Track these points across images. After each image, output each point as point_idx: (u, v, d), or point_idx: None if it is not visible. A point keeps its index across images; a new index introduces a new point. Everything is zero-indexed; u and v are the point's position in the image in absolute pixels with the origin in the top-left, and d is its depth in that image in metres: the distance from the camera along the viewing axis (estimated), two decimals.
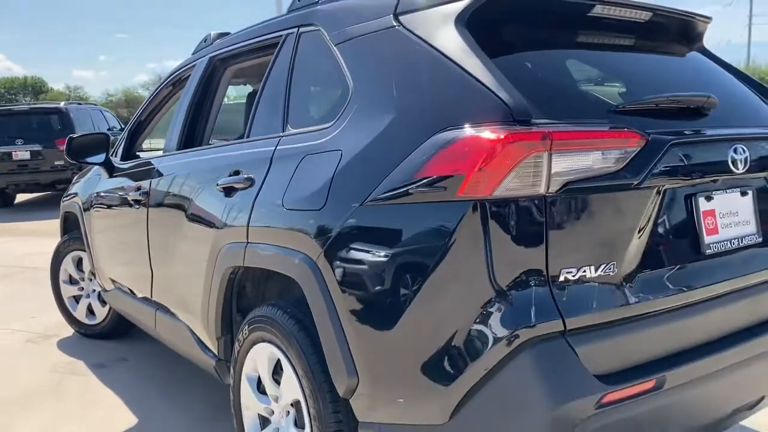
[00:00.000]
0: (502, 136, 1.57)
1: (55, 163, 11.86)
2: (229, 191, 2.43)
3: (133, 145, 3.84)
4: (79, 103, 14.79)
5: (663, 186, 1.77)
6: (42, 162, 11.88)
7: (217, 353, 2.62)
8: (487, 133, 1.59)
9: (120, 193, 3.53)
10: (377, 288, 1.77)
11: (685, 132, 1.87)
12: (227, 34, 3.28)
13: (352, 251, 1.84)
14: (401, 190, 1.73)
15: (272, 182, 2.22)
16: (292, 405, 2.16)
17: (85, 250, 4.29)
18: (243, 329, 2.35)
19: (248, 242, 2.27)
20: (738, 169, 1.92)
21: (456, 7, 1.89)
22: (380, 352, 1.79)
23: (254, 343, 2.30)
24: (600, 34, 2.20)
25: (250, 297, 2.56)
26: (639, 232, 1.73)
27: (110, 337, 4.40)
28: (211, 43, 3.26)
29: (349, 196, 1.87)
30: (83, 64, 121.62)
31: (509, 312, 1.60)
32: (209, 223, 2.55)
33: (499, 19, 1.93)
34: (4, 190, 12.26)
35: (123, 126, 15.22)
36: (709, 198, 1.91)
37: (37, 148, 11.86)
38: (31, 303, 5.40)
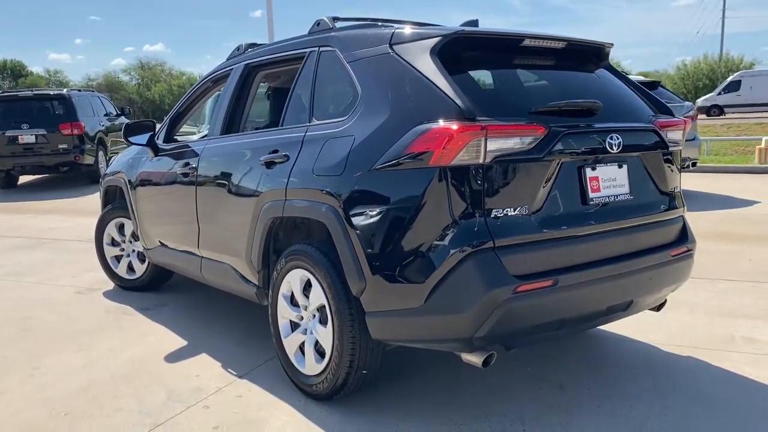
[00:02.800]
0: (456, 127, 2.58)
1: (59, 146, 12.66)
2: (269, 164, 3.42)
3: (174, 130, 4.79)
4: (80, 90, 15.55)
5: (559, 159, 2.79)
6: (46, 145, 12.65)
7: (257, 283, 3.61)
8: (448, 126, 2.61)
9: (168, 169, 4.49)
10: (378, 223, 2.79)
11: (576, 125, 2.89)
12: (256, 44, 4.26)
13: (360, 201, 2.85)
14: (395, 161, 2.74)
15: (304, 157, 3.22)
16: (318, 310, 3.17)
17: (125, 218, 5.25)
18: (280, 261, 3.34)
19: (286, 199, 3.27)
20: (613, 150, 2.95)
21: (430, 42, 2.90)
22: (379, 264, 2.80)
23: (289, 271, 3.30)
24: (529, 58, 3.22)
25: (281, 242, 3.55)
26: (543, 188, 2.75)
27: (147, 290, 5.35)
28: (244, 52, 4.23)
29: (360, 165, 2.88)
30: (59, 48, 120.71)
31: (461, 235, 2.62)
32: (253, 188, 3.54)
33: (457, 50, 2.92)
34: (9, 171, 13.03)
35: (118, 111, 16.02)
36: (593, 168, 2.94)
37: (41, 132, 12.62)
38: (68, 267, 6.33)
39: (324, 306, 3.09)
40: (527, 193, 2.73)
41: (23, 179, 14.16)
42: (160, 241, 4.74)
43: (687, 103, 10.32)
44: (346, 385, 3.07)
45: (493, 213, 2.65)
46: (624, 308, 3.16)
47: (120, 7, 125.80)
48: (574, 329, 3.22)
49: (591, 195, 2.92)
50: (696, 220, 7.69)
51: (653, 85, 10.43)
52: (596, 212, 2.94)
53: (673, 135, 3.32)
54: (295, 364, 3.32)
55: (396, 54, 2.99)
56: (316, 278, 3.11)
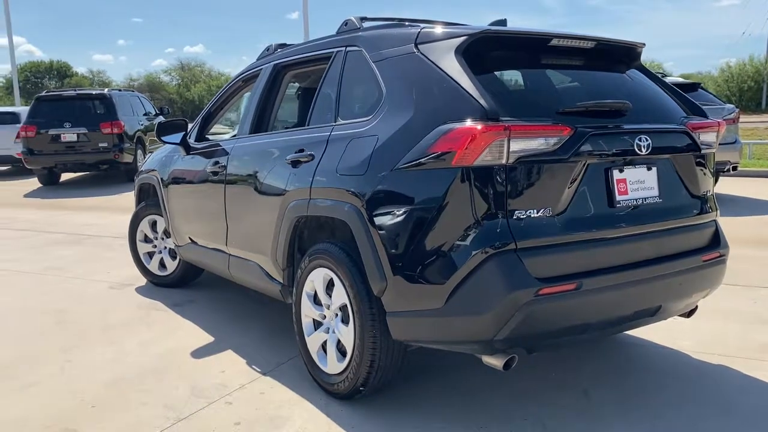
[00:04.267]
0: (479, 128, 2.56)
1: (99, 144, 12.96)
2: (295, 163, 3.44)
3: (205, 129, 4.85)
4: (120, 90, 15.89)
5: (585, 161, 2.74)
6: (87, 144, 12.96)
7: (282, 281, 3.63)
8: (471, 126, 2.58)
9: (198, 167, 4.55)
10: (400, 223, 2.78)
11: (604, 126, 2.84)
12: (285, 44, 4.29)
13: (383, 200, 2.85)
14: (417, 161, 2.73)
15: (328, 157, 3.22)
16: (340, 309, 3.17)
17: (158, 215, 5.34)
18: (304, 260, 3.36)
19: (310, 198, 3.28)
20: (642, 152, 2.88)
21: (455, 42, 2.88)
22: (400, 264, 2.78)
23: (312, 270, 3.31)
24: (557, 58, 3.17)
25: (306, 240, 3.56)
26: (567, 189, 2.71)
27: (177, 286, 5.44)
28: (273, 53, 4.26)
29: (383, 165, 2.87)
30: (102, 48, 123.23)
31: (483, 236, 2.60)
32: (279, 187, 3.56)
33: (483, 50, 2.90)
34: (52, 168, 13.38)
35: (157, 111, 16.33)
36: (621, 170, 2.88)
37: (83, 130, 12.94)
38: (104, 262, 6.47)
39: (346, 305, 3.09)
40: (551, 194, 2.69)
41: (65, 176, 14.52)
42: (190, 238, 4.80)
43: (728, 105, 10.07)
44: (367, 384, 3.07)
45: (516, 214, 2.62)
46: (652, 313, 3.09)
47: (161, 9, 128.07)
48: (599, 333, 3.16)
49: (618, 197, 2.86)
50: (736, 225, 7.57)
51: (693, 87, 10.21)
52: (623, 215, 2.88)
53: (706, 137, 3.24)
54: (318, 363, 3.33)
55: (421, 53, 2.97)
56: (339, 277, 3.11)
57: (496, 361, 2.74)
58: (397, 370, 3.11)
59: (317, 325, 3.37)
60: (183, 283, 5.45)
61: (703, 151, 3.21)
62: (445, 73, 2.82)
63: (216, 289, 5.33)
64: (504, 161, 2.58)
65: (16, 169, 15.94)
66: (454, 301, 2.66)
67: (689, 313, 3.45)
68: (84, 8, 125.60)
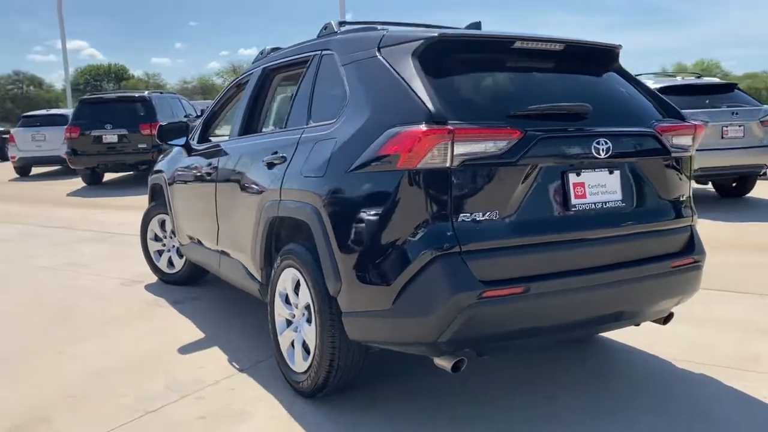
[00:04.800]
0: (422, 131, 2.57)
1: (139, 145, 13.38)
2: (270, 165, 3.52)
3: (207, 131, 4.98)
4: (161, 92, 16.36)
5: (537, 164, 2.72)
6: (128, 145, 13.40)
7: (261, 280, 3.71)
8: (415, 129, 2.60)
9: (196, 168, 4.68)
10: (352, 224, 2.82)
11: (558, 129, 2.81)
12: (278, 48, 4.37)
13: (338, 202, 2.90)
14: (368, 163, 2.77)
15: (297, 159, 3.29)
16: (306, 308, 3.22)
17: (167, 214, 5.50)
18: (277, 260, 3.43)
19: (281, 199, 3.35)
20: (600, 155, 2.85)
21: (412, 45, 2.90)
22: (352, 265, 2.82)
23: (283, 270, 3.37)
24: (522, 60, 3.15)
25: (283, 241, 3.63)
26: (517, 192, 2.69)
27: (184, 284, 5.59)
28: (267, 56, 4.36)
29: (339, 167, 2.92)
30: (160, 52, 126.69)
31: (427, 238, 2.61)
32: (257, 188, 3.64)
33: (440, 53, 2.90)
34: (94, 169, 13.88)
35: (198, 114, 16.74)
36: (578, 174, 2.84)
37: (123, 132, 13.38)
38: (123, 260, 6.68)
39: (309, 305, 3.15)
40: (499, 197, 2.68)
41: (108, 176, 15.01)
42: (190, 237, 4.94)
43: (765, 106, 9.73)
44: (327, 384, 3.11)
45: (461, 217, 2.62)
46: (614, 319, 3.04)
47: (218, 12, 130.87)
48: (553, 338, 3.14)
49: (574, 201, 2.83)
50: (758, 230, 7.31)
51: (729, 87, 9.92)
52: (580, 219, 2.85)
53: (679, 140, 3.17)
54: (287, 361, 3.39)
55: (382, 57, 3.00)
56: (303, 277, 3.16)
57: (444, 363, 2.75)
58: (358, 370, 3.15)
59: (288, 324, 3.44)
60: (190, 281, 5.59)
61: (674, 155, 3.15)
62: (400, 76, 2.84)
63: (219, 288, 5.45)
64: (448, 164, 2.59)
65: (65, 169, 16.57)
66: (400, 303, 2.68)
67: (665, 320, 3.38)
68: (144, 13, 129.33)
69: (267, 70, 4.16)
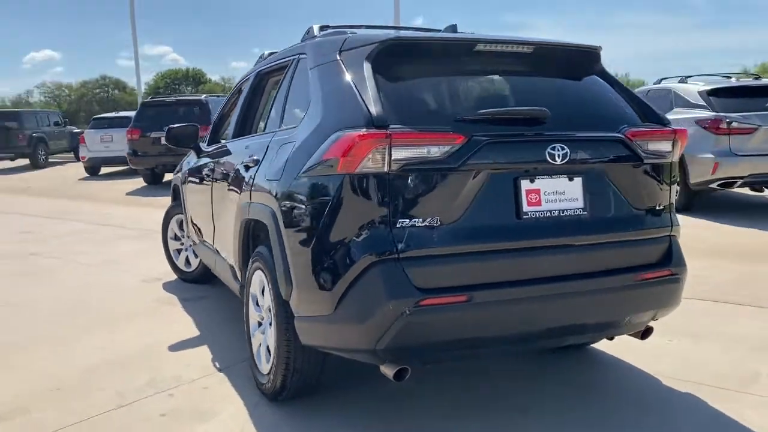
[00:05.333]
0: (359, 135, 2.55)
1: None
2: (246, 168, 3.57)
3: (216, 133, 5.09)
4: (218, 96, 16.83)
5: (484, 170, 2.65)
6: None
7: (240, 281, 3.77)
8: (353, 133, 2.58)
9: (199, 170, 4.81)
10: (300, 228, 2.82)
11: (508, 134, 2.73)
12: (275, 52, 4.43)
13: (290, 205, 2.91)
14: (314, 167, 2.76)
15: (265, 162, 3.32)
16: (269, 310, 3.25)
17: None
18: (249, 262, 3.47)
19: (251, 201, 3.39)
20: (556, 161, 2.74)
21: (366, 49, 2.87)
22: (300, 269, 2.83)
23: (254, 272, 3.41)
24: (486, 63, 3.08)
25: (261, 240, 3.67)
26: (461, 199, 2.62)
27: (200, 282, 5.74)
28: (264, 60, 4.42)
29: (293, 170, 2.93)
30: (238, 56, 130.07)
31: (366, 244, 2.59)
32: (236, 189, 3.71)
33: (393, 57, 2.86)
34: (153, 169, 14.43)
35: None
36: (532, 180, 2.75)
37: None
38: (152, 258, 6.88)
39: (270, 308, 3.17)
40: (442, 203, 2.63)
41: (168, 176, 15.53)
42: (197, 236, 5.07)
43: None
44: (285, 386, 3.13)
45: (400, 223, 2.58)
46: (574, 332, 2.93)
47: (293, 15, 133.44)
48: (502, 349, 3.04)
49: (527, 209, 2.74)
50: None
51: None
52: (532, 227, 2.75)
53: (657, 146, 3.02)
54: (256, 363, 3.43)
55: (341, 61, 3.00)
56: (267, 279, 3.19)
57: (388, 371, 2.71)
58: (316, 374, 3.15)
59: (259, 325, 3.47)
60: (204, 279, 5.73)
61: (648, 162, 3.00)
62: (351, 80, 2.83)
63: (227, 287, 5.56)
64: (386, 169, 2.55)
65: (131, 169, 17.27)
66: (341, 309, 2.67)
67: (643, 334, 3.22)
68: (224, 19, 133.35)
69: (260, 74, 4.22)
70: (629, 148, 2.93)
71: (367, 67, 2.81)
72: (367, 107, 2.64)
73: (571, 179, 2.83)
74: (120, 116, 18.42)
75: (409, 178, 2.59)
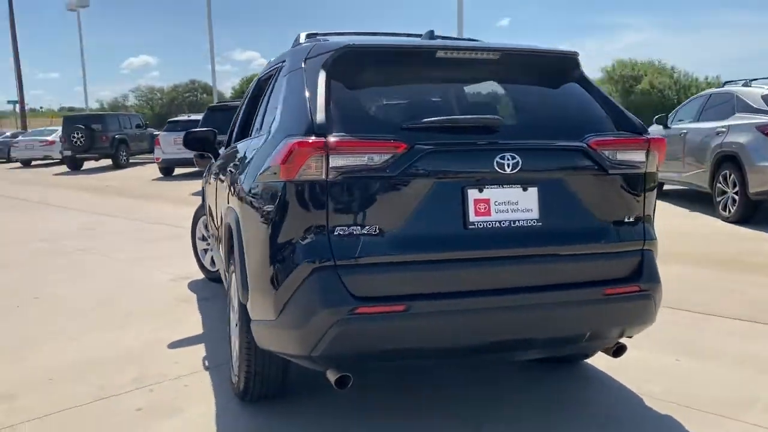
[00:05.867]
0: (296, 143, 2.57)
1: None
2: (231, 172, 3.65)
3: (231, 138, 5.22)
4: None
5: (426, 178, 2.60)
6: None
7: (225, 283, 3.86)
8: (293, 141, 2.60)
9: (210, 173, 4.95)
10: (251, 233, 2.87)
11: (457, 142, 2.67)
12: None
13: (247, 210, 2.97)
14: (264, 173, 2.80)
15: (241, 167, 3.39)
16: (236, 313, 3.32)
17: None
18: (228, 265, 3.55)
19: (228, 205, 3.48)
20: (506, 170, 2.66)
21: (324, 57, 2.88)
22: (253, 273, 2.87)
23: (231, 275, 3.49)
24: (448, 71, 3.02)
25: None
26: (402, 207, 2.59)
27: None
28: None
29: (251, 175, 2.99)
30: None
31: (304, 251, 2.60)
32: (223, 193, 3.80)
33: (347, 64, 2.84)
34: None
35: None
36: (481, 190, 2.68)
37: None
38: (190, 257, 7.13)
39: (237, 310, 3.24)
40: (382, 212, 2.60)
41: None
42: (212, 238, 5.22)
43: None
44: (248, 389, 3.18)
45: (339, 230, 2.58)
46: (525, 347, 2.83)
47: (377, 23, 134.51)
48: (445, 361, 2.97)
49: (474, 218, 2.67)
50: None
51: None
52: (479, 237, 2.68)
53: (627, 156, 2.88)
54: (233, 364, 3.50)
55: (304, 69, 3.02)
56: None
57: (330, 377, 2.71)
58: (278, 378, 3.17)
59: (236, 327, 3.54)
60: None
61: (616, 172, 2.86)
62: (306, 87, 2.84)
63: None
64: (324, 176, 2.56)
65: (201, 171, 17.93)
66: (283, 314, 2.68)
67: (614, 352, 3.08)
68: (311, 23, 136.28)
69: (259, 81, 4.31)
70: (591, 158, 2.81)
71: (321, 75, 2.82)
72: (311, 115, 2.66)
73: (525, 189, 2.74)
74: (192, 119, 19.12)
75: (349, 185, 2.58)
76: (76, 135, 21.91)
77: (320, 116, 2.63)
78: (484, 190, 2.69)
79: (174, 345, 4.30)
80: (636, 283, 2.88)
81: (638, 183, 2.94)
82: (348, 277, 2.56)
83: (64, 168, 23.25)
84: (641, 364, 3.75)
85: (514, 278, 2.73)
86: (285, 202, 2.65)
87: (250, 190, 2.98)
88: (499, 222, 2.70)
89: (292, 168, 2.59)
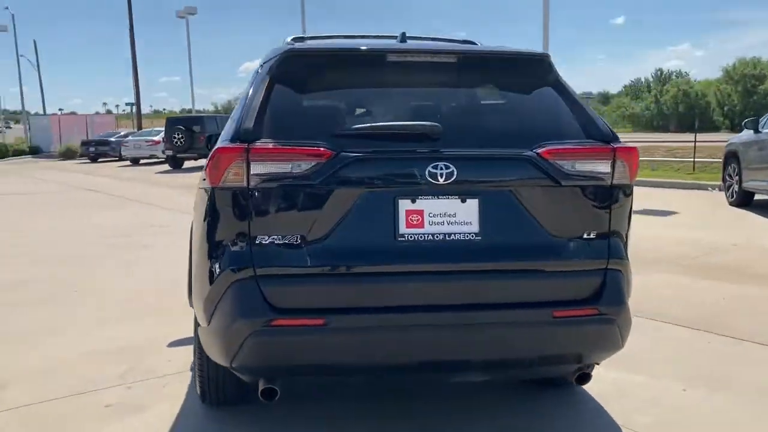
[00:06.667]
0: (219, 149, 2.53)
1: None
2: None
3: None
4: None
5: (353, 187, 2.49)
6: None
7: None
8: (217, 147, 2.57)
9: None
10: (194, 237, 2.90)
11: (388, 150, 2.54)
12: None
13: (195, 214, 2.96)
14: (203, 179, 2.79)
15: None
16: None
17: None
18: None
19: None
20: (439, 180, 2.50)
21: (271, 61, 2.84)
22: (193, 278, 2.87)
23: None
24: (401, 74, 2.86)
25: None
26: (327, 217, 2.49)
27: None
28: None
29: (201, 180, 2.98)
30: None
31: (226, 259, 2.56)
32: None
33: (289, 69, 2.76)
34: None
35: None
36: (413, 200, 2.54)
37: None
38: None
39: None
40: (305, 221, 2.52)
41: None
42: None
43: None
44: (205, 392, 3.19)
45: (259, 239, 2.52)
46: (460, 369, 2.66)
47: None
48: (368, 379, 2.82)
49: (404, 230, 2.54)
50: None
51: None
52: (410, 250, 2.54)
53: (587, 166, 2.65)
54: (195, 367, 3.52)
55: (258, 73, 2.99)
56: None
57: (261, 388, 2.66)
58: (233, 384, 3.13)
59: None
60: None
61: (573, 183, 2.63)
62: (248, 92, 2.81)
63: None
64: (245, 184, 2.51)
65: None
66: (211, 322, 2.66)
67: (578, 379, 2.84)
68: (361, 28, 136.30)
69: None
70: (540, 168, 2.60)
71: (265, 80, 2.77)
72: (241, 120, 2.62)
73: (463, 201, 2.58)
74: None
75: (271, 193, 2.52)
76: (176, 135, 23.10)
77: (248, 122, 2.58)
78: (417, 200, 2.55)
79: (175, 343, 4.39)
80: (594, 306, 2.64)
81: (602, 196, 2.69)
82: (268, 287, 2.50)
83: (167, 167, 24.55)
84: (638, 393, 3.45)
85: (447, 295, 2.57)
86: (213, 208, 2.63)
87: (196, 196, 3.00)
88: (433, 235, 2.55)
89: (216, 174, 2.56)
